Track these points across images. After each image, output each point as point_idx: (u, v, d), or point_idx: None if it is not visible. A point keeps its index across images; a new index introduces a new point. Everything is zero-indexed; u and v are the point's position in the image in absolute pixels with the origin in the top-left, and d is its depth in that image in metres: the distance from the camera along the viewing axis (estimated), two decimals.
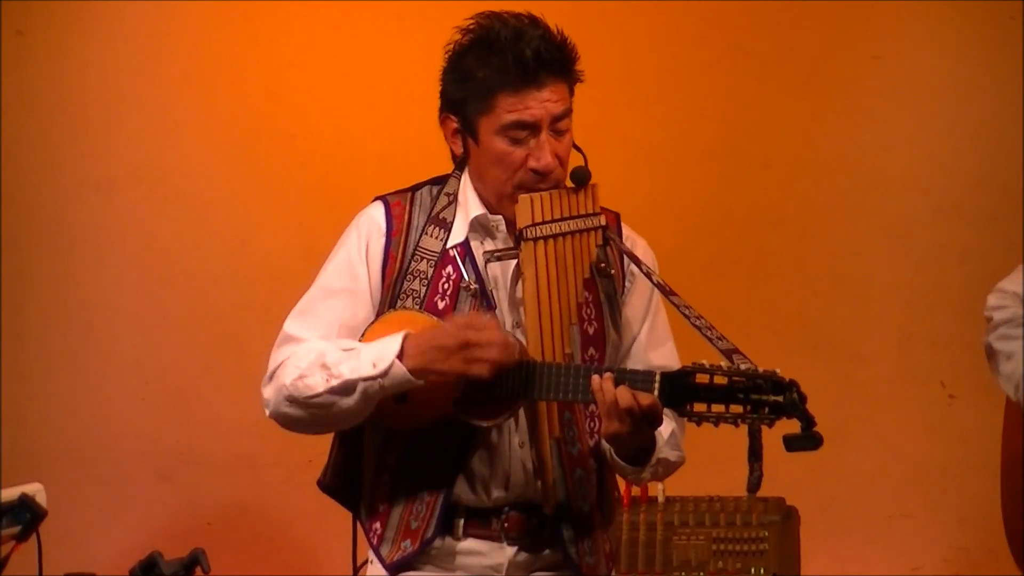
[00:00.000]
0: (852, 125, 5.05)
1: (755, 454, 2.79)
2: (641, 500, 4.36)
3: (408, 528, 3.01)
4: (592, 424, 3.05)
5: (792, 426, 2.77)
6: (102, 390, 5.10)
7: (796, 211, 5.07)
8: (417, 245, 3.03)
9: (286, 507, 5.02)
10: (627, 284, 3.10)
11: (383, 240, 3.03)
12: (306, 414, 2.98)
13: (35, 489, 2.89)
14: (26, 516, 2.84)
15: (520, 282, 2.99)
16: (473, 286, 3.00)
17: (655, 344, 3.11)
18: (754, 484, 2.79)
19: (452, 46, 3.01)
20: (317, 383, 2.94)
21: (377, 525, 3.04)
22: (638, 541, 4.29)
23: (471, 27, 3.00)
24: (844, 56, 5.06)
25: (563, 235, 2.98)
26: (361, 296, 3.03)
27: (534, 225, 2.96)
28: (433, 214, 3.05)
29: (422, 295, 3.00)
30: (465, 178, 3.06)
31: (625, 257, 3.06)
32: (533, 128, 2.94)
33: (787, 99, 5.05)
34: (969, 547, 4.89)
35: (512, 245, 3.00)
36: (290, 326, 3.05)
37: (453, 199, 3.05)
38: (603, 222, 3.01)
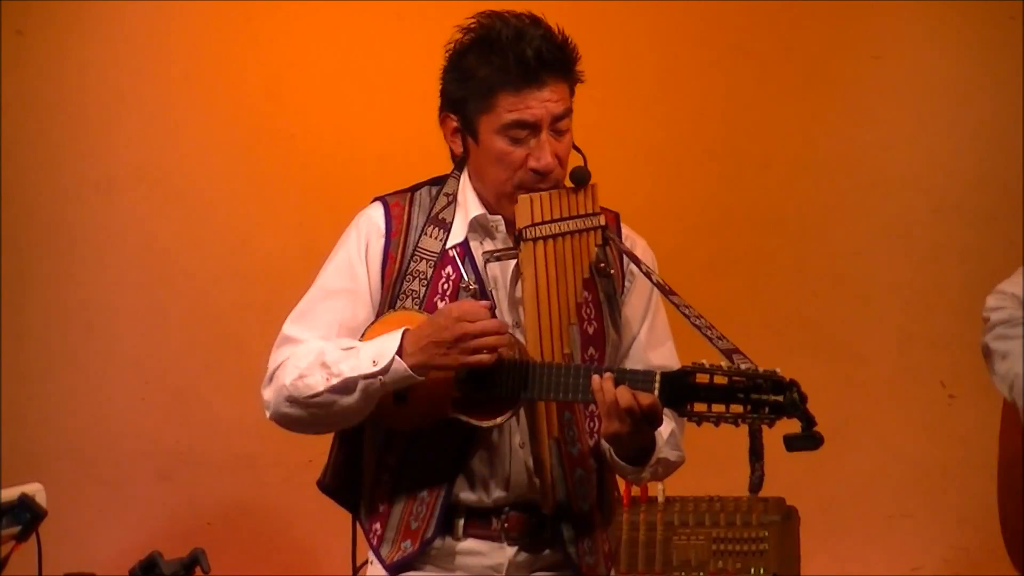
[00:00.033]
0: (852, 125, 5.05)
1: (756, 454, 2.79)
2: (641, 500, 4.36)
3: (408, 528, 3.01)
4: (592, 424, 3.05)
5: (792, 426, 2.77)
6: (102, 390, 5.10)
7: (796, 211, 5.07)
8: (416, 245, 3.03)
9: (286, 507, 5.02)
10: (626, 284, 3.09)
11: (382, 241, 3.03)
12: (307, 414, 2.98)
13: (35, 489, 2.89)
14: (26, 516, 2.84)
15: (519, 282, 2.99)
16: (473, 286, 3.00)
17: (655, 344, 3.11)
18: (756, 484, 2.79)
19: (453, 45, 3.01)
20: (317, 382, 2.94)
21: (377, 526, 3.04)
22: (638, 541, 4.29)
23: (472, 26, 3.00)
24: (844, 56, 5.06)
25: (562, 235, 2.98)
26: (361, 297, 3.03)
27: (533, 225, 2.96)
28: (432, 214, 3.05)
29: (421, 295, 3.00)
30: (464, 178, 3.06)
31: (624, 257, 3.06)
32: (533, 128, 2.94)
33: (787, 99, 5.05)
34: (969, 547, 4.89)
35: (511, 245, 3.00)
36: (289, 327, 3.05)
37: (452, 199, 3.05)
38: (602, 222, 3.01)
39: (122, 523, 5.02)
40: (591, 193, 3.01)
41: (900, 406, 5.01)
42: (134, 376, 5.11)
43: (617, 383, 2.83)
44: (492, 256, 2.99)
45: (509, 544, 3.03)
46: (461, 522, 3.01)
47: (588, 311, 3.04)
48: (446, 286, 3.01)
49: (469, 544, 3.02)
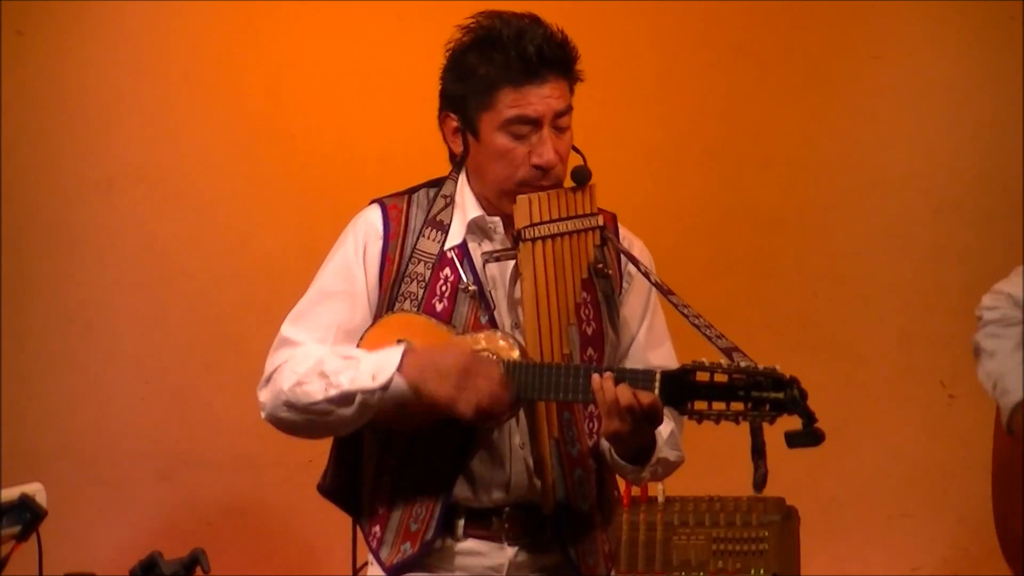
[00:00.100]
0: (852, 125, 5.05)
1: (758, 451, 2.78)
2: (641, 500, 4.36)
3: (408, 531, 3.00)
4: (591, 425, 3.04)
5: (793, 423, 2.77)
6: (102, 390, 5.10)
7: (796, 211, 5.07)
8: (414, 248, 3.03)
9: (286, 507, 5.03)
10: (624, 284, 3.09)
11: (380, 243, 3.03)
12: (303, 420, 2.98)
13: (35, 489, 2.89)
14: (26, 516, 2.84)
15: (518, 282, 2.99)
16: (472, 287, 3.00)
17: (653, 344, 3.11)
18: (760, 481, 2.79)
19: (453, 44, 3.01)
20: (316, 391, 2.94)
21: (376, 528, 3.03)
22: (638, 541, 4.29)
23: (472, 26, 3.00)
24: (844, 56, 5.06)
25: (561, 235, 2.98)
26: (358, 299, 3.02)
27: (532, 226, 2.96)
28: (430, 216, 3.05)
29: (420, 298, 3.00)
30: (462, 180, 3.06)
31: (622, 257, 3.06)
32: (535, 123, 2.94)
33: (787, 99, 5.06)
34: (969, 547, 4.89)
35: (510, 246, 3.00)
36: (287, 329, 3.04)
37: (450, 201, 3.05)
38: (601, 222, 3.01)
39: (122, 523, 5.03)
40: (589, 193, 3.01)
41: (900, 406, 5.01)
42: (134, 376, 5.11)
43: (617, 382, 2.83)
44: (491, 256, 2.99)
45: (509, 544, 3.02)
46: (461, 523, 3.01)
47: (587, 312, 3.04)
48: (444, 288, 3.01)
49: (469, 544, 3.02)
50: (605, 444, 3.00)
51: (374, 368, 2.90)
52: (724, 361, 2.79)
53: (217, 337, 5.07)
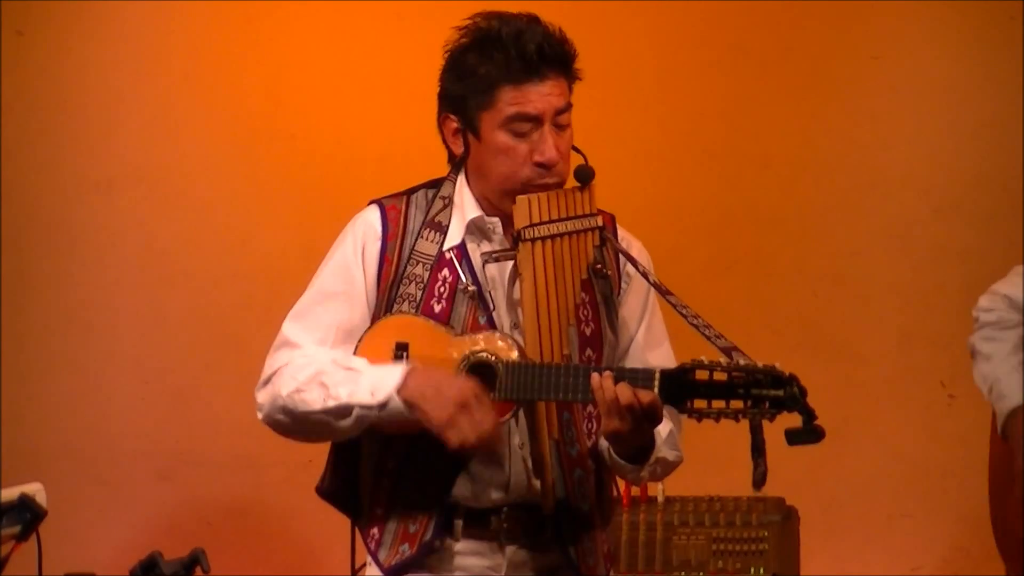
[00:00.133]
0: (852, 125, 5.05)
1: (758, 449, 2.78)
2: (641, 500, 4.36)
3: (406, 532, 3.00)
4: (590, 425, 3.04)
5: (793, 420, 2.77)
6: (102, 390, 5.10)
7: (796, 211, 5.07)
8: (413, 249, 3.03)
9: (286, 507, 5.02)
10: (623, 285, 3.09)
11: (379, 244, 3.03)
12: (299, 427, 2.99)
13: (35, 489, 2.89)
14: (26, 516, 2.83)
15: (518, 283, 2.99)
16: (471, 288, 3.00)
17: (652, 344, 3.11)
18: (759, 479, 2.79)
19: (452, 45, 3.01)
20: (314, 400, 2.94)
21: (375, 530, 3.03)
22: (638, 541, 4.29)
23: (470, 27, 3.00)
24: (844, 56, 5.06)
25: (560, 236, 2.97)
26: (357, 300, 3.02)
27: (532, 226, 2.96)
28: (428, 218, 3.05)
29: (418, 299, 3.00)
30: (461, 180, 3.06)
31: (621, 258, 3.06)
32: (536, 121, 2.94)
33: (787, 99, 5.05)
34: (969, 547, 4.88)
35: (509, 247, 3.00)
36: (288, 328, 3.04)
37: (448, 202, 3.05)
38: (600, 223, 3.01)
39: (122, 523, 5.02)
40: (589, 194, 3.01)
41: (900, 406, 5.01)
42: (134, 376, 5.11)
43: (617, 381, 2.83)
44: (490, 257, 2.99)
45: (508, 545, 3.02)
46: (460, 523, 3.00)
47: (585, 312, 3.03)
48: (442, 289, 3.00)
49: (468, 545, 3.02)
50: (604, 444, 3.00)
51: (373, 384, 2.91)
52: (723, 360, 2.79)
53: (217, 337, 5.07)
